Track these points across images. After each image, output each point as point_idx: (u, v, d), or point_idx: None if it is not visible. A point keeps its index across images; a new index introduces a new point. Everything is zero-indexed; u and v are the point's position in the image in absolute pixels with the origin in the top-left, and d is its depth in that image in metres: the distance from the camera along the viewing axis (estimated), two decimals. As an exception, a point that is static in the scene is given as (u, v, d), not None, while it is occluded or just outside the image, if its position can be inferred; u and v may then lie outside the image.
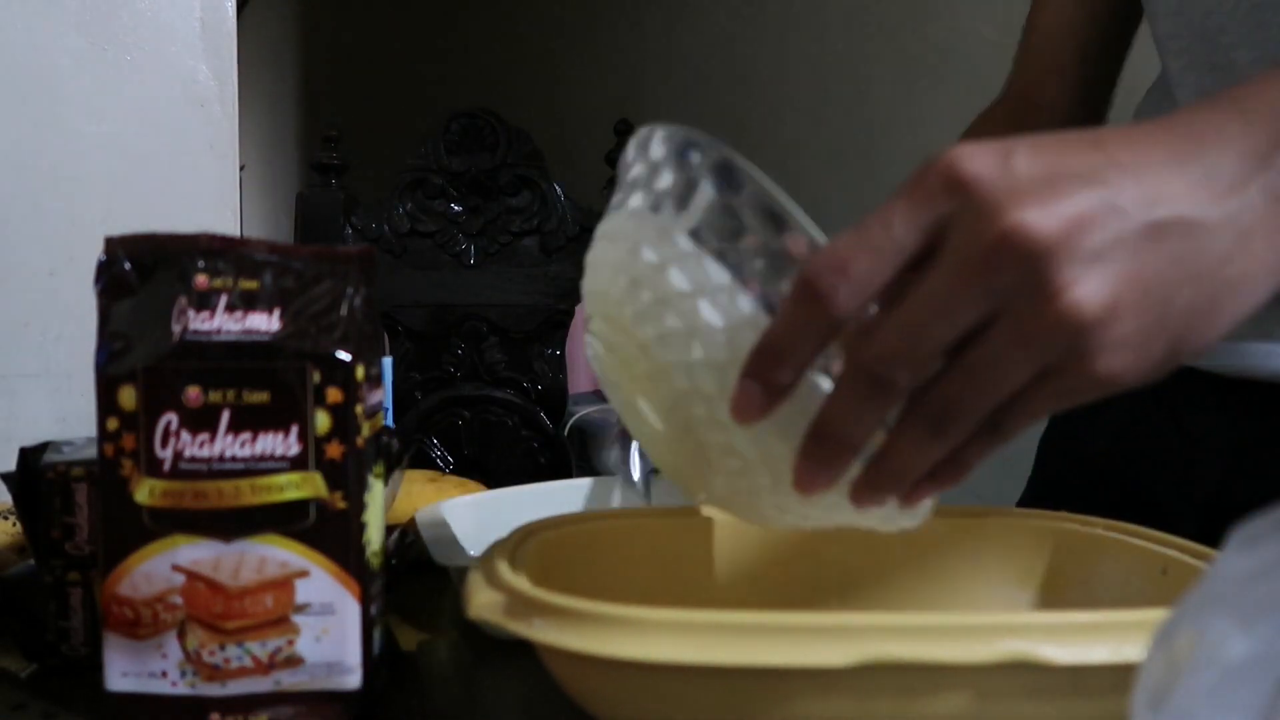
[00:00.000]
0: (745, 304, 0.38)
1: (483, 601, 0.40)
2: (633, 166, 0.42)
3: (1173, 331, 0.36)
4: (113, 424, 0.46)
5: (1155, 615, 0.36)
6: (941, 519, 0.54)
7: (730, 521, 0.54)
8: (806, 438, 0.38)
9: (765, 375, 0.37)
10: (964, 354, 0.36)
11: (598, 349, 0.45)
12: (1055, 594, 0.52)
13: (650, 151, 0.41)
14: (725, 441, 0.40)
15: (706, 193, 0.39)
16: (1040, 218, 0.33)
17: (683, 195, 0.39)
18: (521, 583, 0.40)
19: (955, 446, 0.37)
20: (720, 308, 0.38)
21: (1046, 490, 0.80)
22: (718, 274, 0.38)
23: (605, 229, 0.43)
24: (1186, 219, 0.35)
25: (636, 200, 0.41)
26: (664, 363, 0.40)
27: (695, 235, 0.39)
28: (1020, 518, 0.54)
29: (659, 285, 0.39)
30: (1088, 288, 0.34)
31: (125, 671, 0.47)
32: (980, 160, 0.34)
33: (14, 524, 0.68)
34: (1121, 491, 0.71)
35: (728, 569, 0.53)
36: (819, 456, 0.37)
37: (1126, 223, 0.34)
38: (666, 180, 0.40)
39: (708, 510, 0.53)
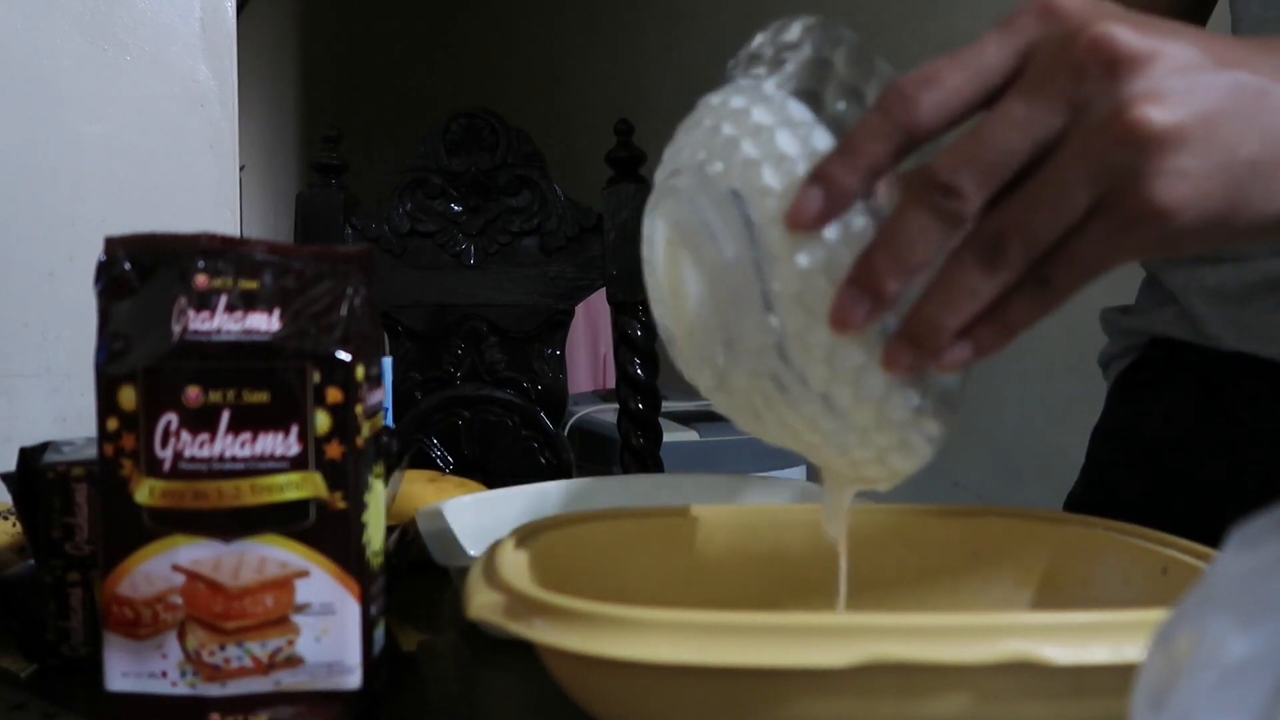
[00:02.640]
0: (822, 140, 0.38)
1: (483, 602, 0.40)
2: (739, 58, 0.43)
3: (1233, 182, 0.36)
4: (113, 424, 0.46)
5: (1155, 615, 0.36)
6: (939, 518, 0.54)
7: (730, 522, 0.54)
8: (857, 260, 0.37)
9: (831, 175, 0.36)
10: (1025, 181, 0.35)
11: (660, 200, 0.44)
12: (1054, 594, 0.52)
13: (753, 42, 0.43)
14: (762, 316, 0.39)
15: (804, 51, 0.40)
16: (1129, 34, 0.35)
17: (780, 59, 0.40)
18: (522, 582, 0.40)
19: (1004, 287, 0.36)
20: (798, 138, 0.38)
21: (1098, 479, 0.80)
22: (800, 112, 0.39)
23: (701, 101, 0.43)
24: (1264, 86, 0.36)
25: (736, 73, 0.42)
26: (726, 192, 0.39)
27: (785, 87, 0.40)
28: (1019, 518, 0.53)
29: (741, 122, 0.40)
30: (1159, 107, 0.34)
31: (125, 671, 0.47)
32: None
33: (14, 524, 0.68)
34: (1172, 479, 0.71)
35: (727, 569, 0.53)
36: (864, 281, 0.36)
37: (1206, 72, 0.35)
38: (767, 52, 0.41)
39: (697, 510, 0.53)
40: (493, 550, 0.46)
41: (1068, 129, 0.35)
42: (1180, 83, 0.35)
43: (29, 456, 0.56)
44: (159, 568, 0.46)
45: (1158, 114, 0.34)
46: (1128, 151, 0.34)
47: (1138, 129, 0.34)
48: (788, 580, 0.53)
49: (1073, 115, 0.35)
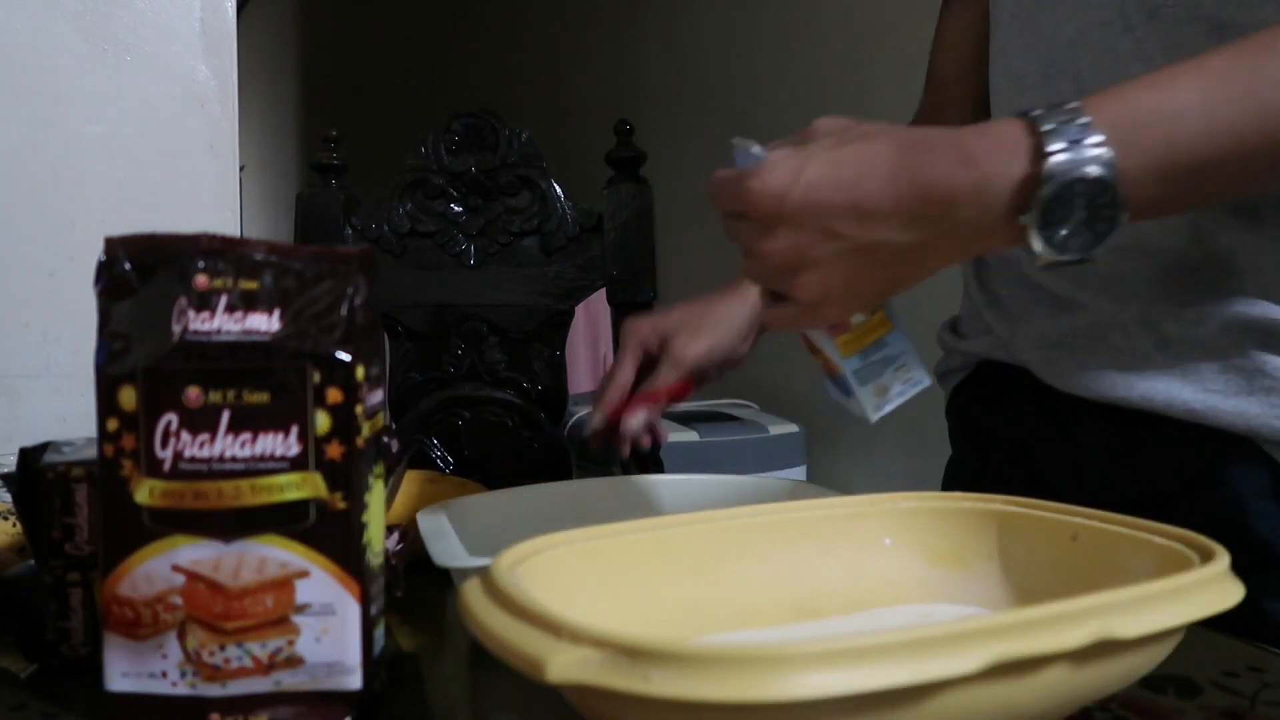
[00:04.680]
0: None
1: (569, 660, 0.36)
2: None
3: (869, 297, 0.56)
4: (113, 424, 0.46)
5: (1192, 579, 0.40)
6: (851, 508, 0.56)
7: (724, 527, 0.53)
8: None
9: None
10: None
11: None
12: (964, 569, 0.55)
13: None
14: None
15: None
16: (774, 244, 0.53)
17: None
18: (609, 631, 0.36)
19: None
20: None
21: (960, 474, 0.88)
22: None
23: None
24: (888, 242, 0.52)
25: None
26: None
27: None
28: (924, 501, 0.56)
29: None
30: (808, 288, 0.54)
31: (125, 671, 0.47)
32: (770, 184, 0.52)
33: (14, 524, 0.68)
34: (1027, 480, 0.78)
35: (727, 575, 0.53)
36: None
37: (841, 244, 0.52)
38: None
39: (691, 518, 0.53)
40: (491, 583, 0.41)
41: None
42: (821, 259, 0.53)
43: (29, 456, 0.56)
44: (159, 568, 0.46)
45: (806, 287, 0.54)
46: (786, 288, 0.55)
47: (797, 297, 0.55)
48: (787, 582, 0.53)
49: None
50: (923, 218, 0.52)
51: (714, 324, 0.85)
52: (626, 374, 0.84)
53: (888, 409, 0.62)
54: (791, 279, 0.54)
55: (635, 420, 0.81)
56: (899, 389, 0.62)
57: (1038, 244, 0.52)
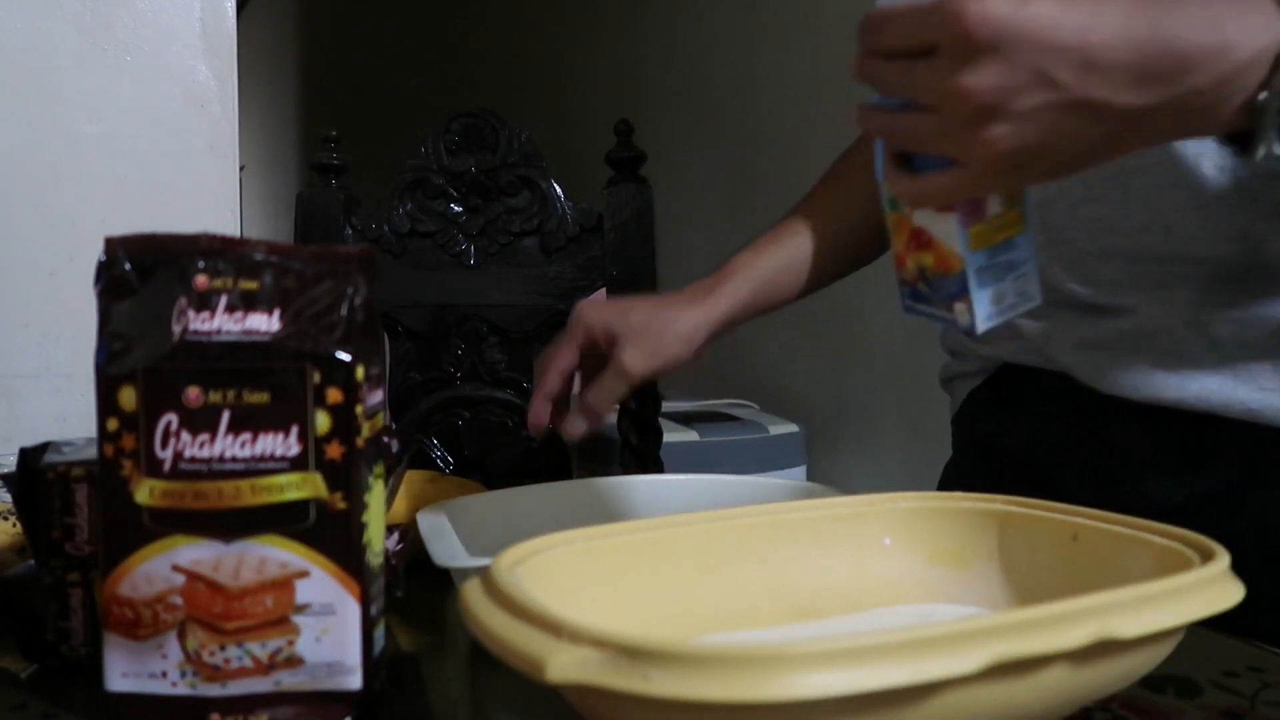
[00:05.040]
0: None
1: (568, 660, 0.35)
2: None
3: (1051, 169, 0.50)
4: (113, 424, 0.46)
5: (1191, 579, 0.40)
6: (850, 508, 0.56)
7: (723, 528, 0.53)
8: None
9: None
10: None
11: None
12: (964, 568, 0.55)
13: None
14: None
15: None
16: (978, 80, 0.46)
17: None
18: (609, 631, 0.36)
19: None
20: None
21: (962, 479, 0.85)
22: None
23: None
24: (1104, 101, 0.47)
25: None
26: None
27: None
28: (925, 500, 0.56)
29: None
30: (996, 143, 0.47)
31: (125, 672, 0.47)
32: (991, 7, 0.45)
33: (14, 524, 0.68)
34: (1041, 489, 0.75)
35: (727, 575, 0.53)
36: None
37: (1052, 94, 0.46)
38: None
39: (690, 518, 0.53)
40: (491, 583, 0.41)
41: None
42: (1028, 111, 0.46)
43: (29, 456, 0.56)
44: (159, 568, 0.46)
45: (1001, 137, 0.47)
46: (970, 135, 0.47)
47: (986, 146, 0.47)
48: (787, 582, 0.53)
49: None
50: (1152, 77, 0.46)
51: (671, 339, 0.76)
52: (567, 360, 0.77)
53: (996, 322, 0.55)
54: (980, 130, 0.47)
55: (577, 427, 0.76)
56: (1012, 301, 0.55)
57: (1271, 131, 0.48)
